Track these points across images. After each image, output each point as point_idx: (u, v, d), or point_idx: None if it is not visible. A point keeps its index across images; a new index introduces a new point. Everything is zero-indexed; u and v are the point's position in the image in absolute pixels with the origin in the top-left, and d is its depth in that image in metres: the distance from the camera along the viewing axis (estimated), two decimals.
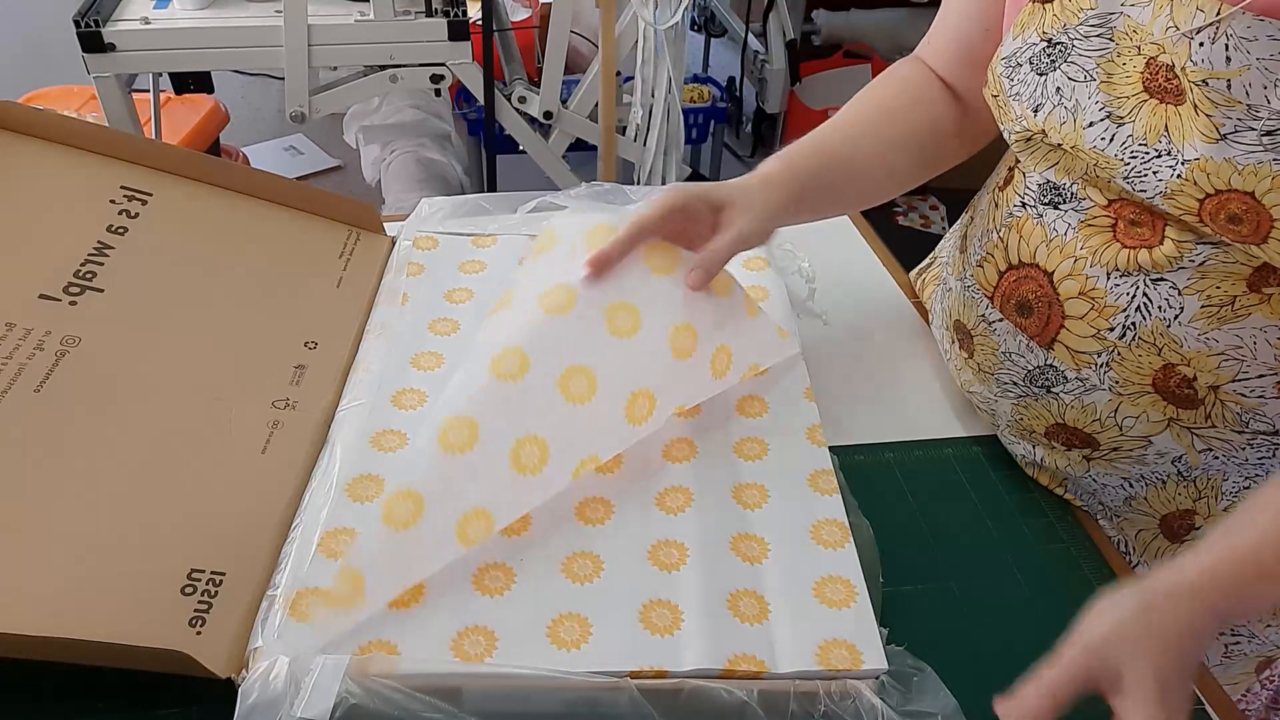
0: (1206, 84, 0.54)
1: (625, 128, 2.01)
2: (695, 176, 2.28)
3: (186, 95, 1.80)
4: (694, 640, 0.55)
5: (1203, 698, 0.59)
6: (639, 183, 2.05)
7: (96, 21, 1.55)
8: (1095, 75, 0.60)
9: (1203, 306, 0.60)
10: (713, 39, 2.90)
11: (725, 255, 0.67)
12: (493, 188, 2.14)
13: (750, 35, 2.47)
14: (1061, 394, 0.68)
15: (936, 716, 0.52)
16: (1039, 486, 0.73)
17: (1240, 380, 0.61)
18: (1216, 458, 0.66)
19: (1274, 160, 0.53)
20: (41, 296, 0.66)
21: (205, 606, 0.54)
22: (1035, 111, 0.63)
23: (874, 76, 0.79)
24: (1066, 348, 0.66)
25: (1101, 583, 0.65)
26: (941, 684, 0.54)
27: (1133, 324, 0.63)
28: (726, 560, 0.60)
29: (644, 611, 0.56)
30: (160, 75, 1.77)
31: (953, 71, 0.76)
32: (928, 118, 0.76)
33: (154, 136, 1.83)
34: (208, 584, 0.55)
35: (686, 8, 1.82)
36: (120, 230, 0.73)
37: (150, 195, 0.77)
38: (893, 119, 0.76)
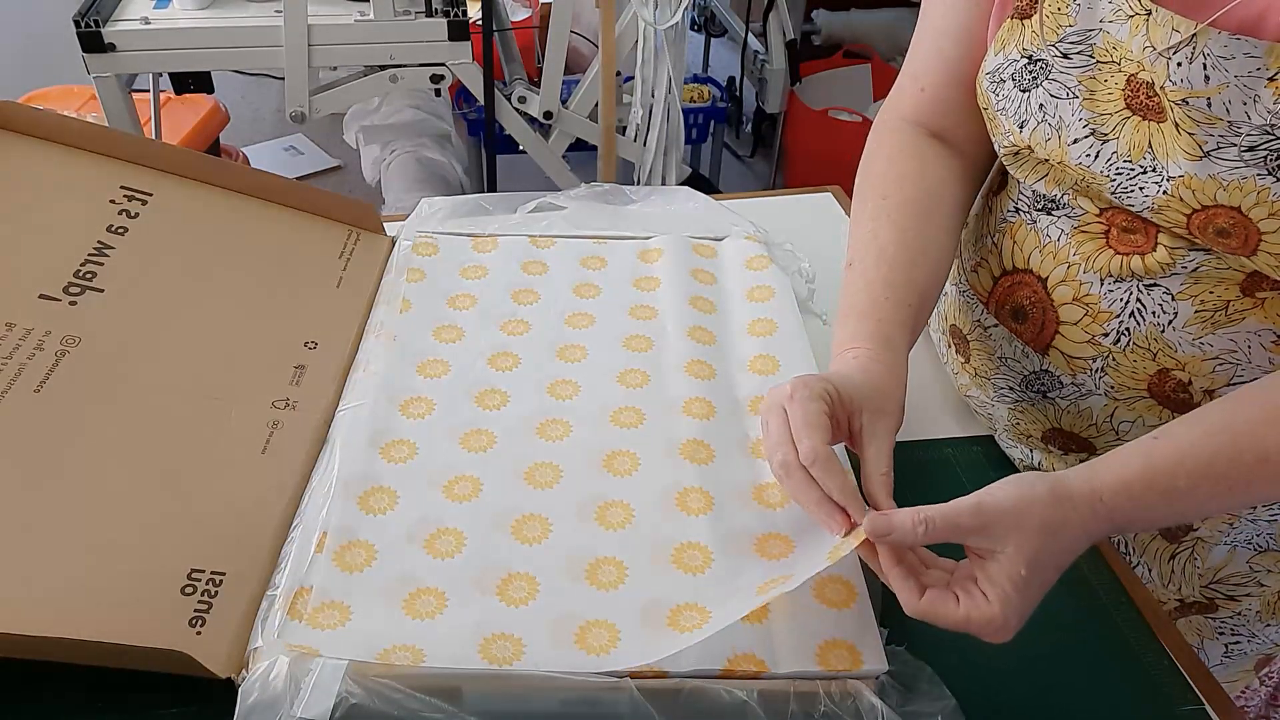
0: (1187, 103, 0.54)
1: (625, 128, 2.01)
2: (696, 176, 2.28)
3: (186, 95, 1.81)
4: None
5: (1201, 696, 0.59)
6: (639, 183, 2.05)
7: (96, 21, 1.55)
8: (1078, 92, 0.60)
9: (1196, 311, 0.60)
10: (713, 39, 2.91)
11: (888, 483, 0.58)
12: (493, 188, 2.14)
13: (750, 35, 2.47)
14: (1058, 399, 0.68)
15: (936, 717, 0.52)
16: None
17: (1235, 384, 0.61)
18: None
19: (1258, 175, 0.53)
20: (41, 296, 0.66)
21: (205, 606, 0.54)
22: (1021, 128, 0.63)
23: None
24: (1062, 353, 0.66)
25: (1100, 582, 0.65)
26: (941, 684, 0.54)
27: (1127, 330, 0.63)
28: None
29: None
30: (160, 75, 1.77)
31: (951, 112, 0.71)
32: (952, 199, 0.71)
33: (154, 136, 1.83)
34: (208, 584, 0.55)
35: (686, 8, 1.82)
36: (120, 230, 0.73)
37: (150, 195, 0.77)
38: (927, 218, 0.69)
